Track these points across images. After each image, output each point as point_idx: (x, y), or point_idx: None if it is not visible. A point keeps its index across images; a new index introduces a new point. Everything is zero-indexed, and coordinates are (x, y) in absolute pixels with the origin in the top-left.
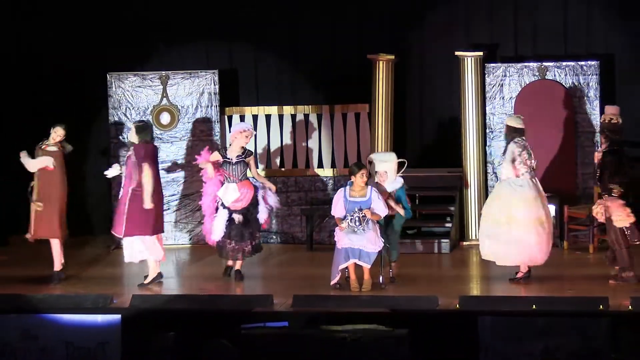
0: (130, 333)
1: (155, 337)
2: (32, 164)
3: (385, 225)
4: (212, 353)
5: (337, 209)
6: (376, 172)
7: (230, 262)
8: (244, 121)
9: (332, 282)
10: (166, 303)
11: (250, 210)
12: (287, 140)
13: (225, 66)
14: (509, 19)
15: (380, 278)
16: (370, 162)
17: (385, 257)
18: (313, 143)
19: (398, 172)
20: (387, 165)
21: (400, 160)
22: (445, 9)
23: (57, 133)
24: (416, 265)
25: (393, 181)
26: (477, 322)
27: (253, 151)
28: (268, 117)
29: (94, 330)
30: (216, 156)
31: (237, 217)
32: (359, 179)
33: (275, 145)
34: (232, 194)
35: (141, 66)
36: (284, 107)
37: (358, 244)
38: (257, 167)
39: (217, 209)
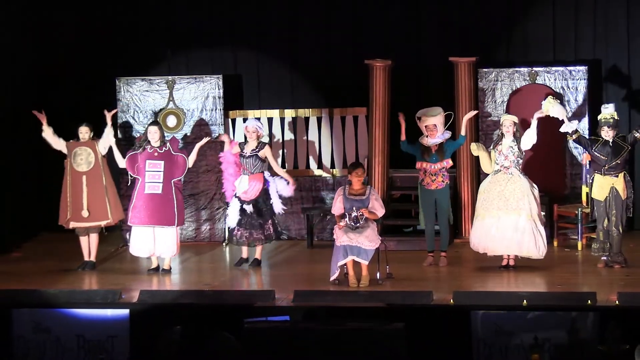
0: (138, 327)
1: (162, 331)
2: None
3: (435, 206)
4: (216, 346)
5: (336, 206)
6: (425, 126)
7: (244, 255)
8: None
9: (332, 278)
10: (172, 298)
11: (259, 202)
12: (289, 142)
13: (229, 71)
14: (501, 26)
15: (378, 274)
16: (419, 119)
17: (383, 254)
18: (313, 145)
19: (445, 124)
20: (435, 119)
21: (447, 113)
22: (440, 16)
23: (82, 132)
24: (412, 262)
25: (442, 133)
26: (470, 316)
27: (267, 145)
28: (270, 120)
29: (103, 324)
30: (236, 149)
31: (247, 208)
32: (354, 178)
33: (277, 146)
34: (243, 186)
35: (148, 71)
36: (285, 110)
37: (356, 241)
38: (274, 158)
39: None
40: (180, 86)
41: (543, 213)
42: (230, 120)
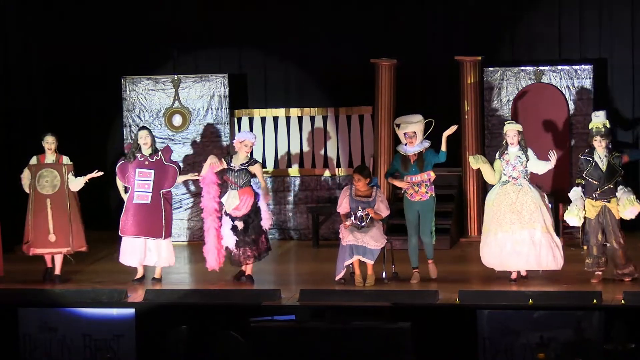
0: (144, 326)
1: (167, 330)
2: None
3: (418, 218)
4: (222, 345)
5: (342, 206)
6: (405, 134)
7: (243, 268)
8: (252, 124)
9: (337, 277)
10: (178, 297)
11: (251, 217)
12: (294, 141)
13: (235, 70)
14: (506, 25)
15: (383, 273)
16: (398, 125)
17: (388, 254)
18: (319, 144)
19: (425, 132)
20: (415, 126)
21: (427, 120)
22: (446, 15)
23: (48, 141)
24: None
25: (421, 142)
26: (475, 315)
27: (259, 161)
28: (275, 119)
29: (109, 323)
30: (222, 163)
31: (239, 224)
32: (355, 182)
33: (282, 146)
34: (233, 201)
35: (154, 70)
36: (291, 109)
37: (362, 241)
38: (264, 178)
39: (220, 218)
40: (185, 85)
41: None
42: (236, 119)
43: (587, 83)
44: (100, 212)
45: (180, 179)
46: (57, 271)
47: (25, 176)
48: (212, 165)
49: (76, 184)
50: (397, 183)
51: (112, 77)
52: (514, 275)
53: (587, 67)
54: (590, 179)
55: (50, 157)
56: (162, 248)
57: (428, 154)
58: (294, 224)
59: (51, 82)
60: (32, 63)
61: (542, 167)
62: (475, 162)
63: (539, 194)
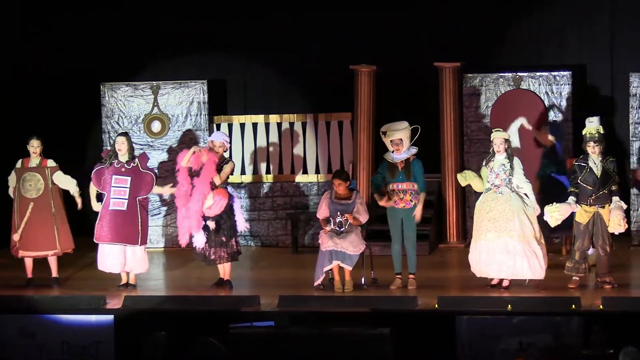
0: (122, 332)
1: (146, 336)
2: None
3: (401, 225)
4: (201, 351)
5: (322, 210)
6: (391, 141)
7: (222, 274)
8: (231, 130)
9: (316, 283)
10: (157, 304)
11: (223, 218)
12: (273, 147)
13: (214, 77)
14: (486, 31)
15: (362, 279)
16: (384, 133)
17: (367, 259)
18: (298, 150)
19: (412, 139)
20: (401, 133)
21: (413, 126)
22: (425, 21)
23: (33, 145)
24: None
25: (408, 149)
26: (455, 321)
27: (233, 162)
28: (255, 126)
29: (88, 330)
30: (204, 154)
31: (210, 224)
32: (335, 187)
33: (262, 152)
34: (207, 201)
35: (133, 77)
36: (270, 115)
37: (341, 246)
38: (226, 175)
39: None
40: (165, 91)
41: None
42: (215, 125)
43: (566, 89)
44: (78, 218)
45: (156, 189)
46: (54, 273)
47: (11, 179)
48: (195, 154)
49: (69, 183)
50: (382, 203)
51: (94, 82)
52: (494, 281)
53: (566, 73)
54: (585, 185)
55: (34, 160)
56: (137, 254)
57: (415, 165)
58: (273, 229)
59: (29, 89)
60: (10, 68)
61: (524, 188)
62: (464, 179)
63: (520, 202)
